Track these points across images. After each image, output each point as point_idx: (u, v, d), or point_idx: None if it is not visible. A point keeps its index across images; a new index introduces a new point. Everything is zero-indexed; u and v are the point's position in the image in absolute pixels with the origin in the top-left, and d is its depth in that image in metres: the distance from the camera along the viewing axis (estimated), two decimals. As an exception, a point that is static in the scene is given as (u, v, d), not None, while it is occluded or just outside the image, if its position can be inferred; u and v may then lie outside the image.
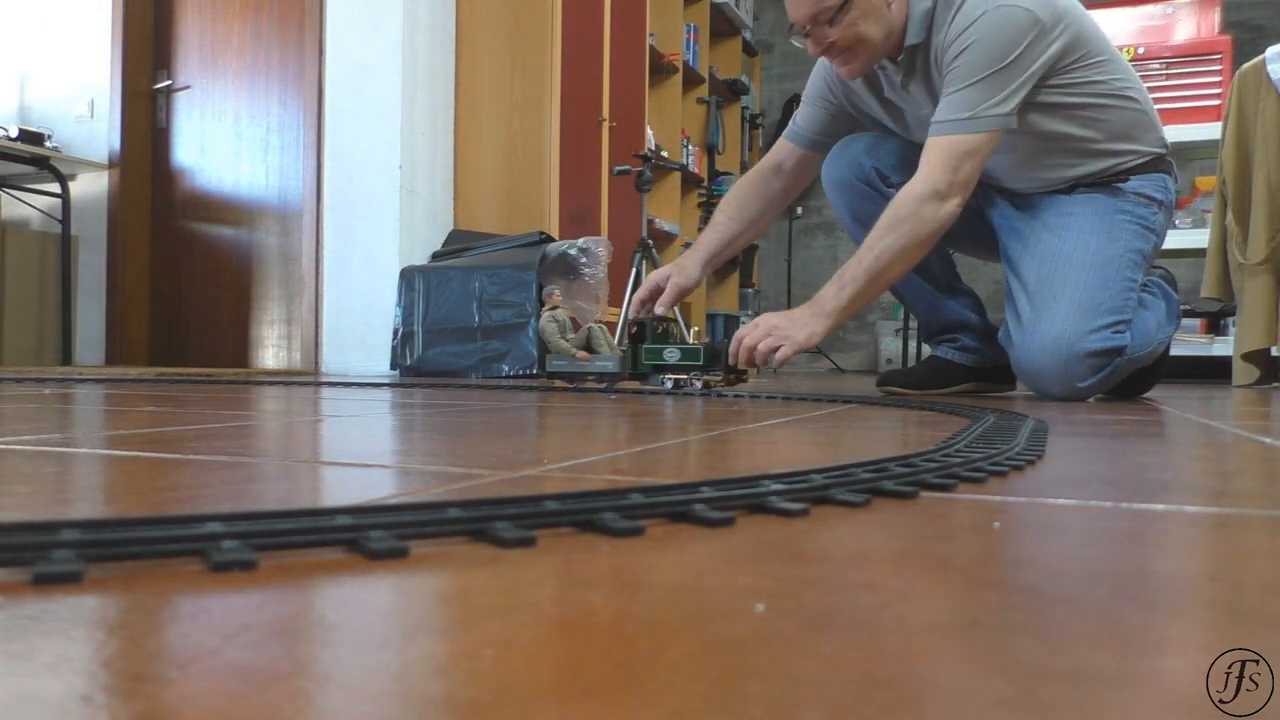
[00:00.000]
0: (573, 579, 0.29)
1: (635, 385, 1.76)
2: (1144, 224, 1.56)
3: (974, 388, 1.76)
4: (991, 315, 1.76)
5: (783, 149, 1.77)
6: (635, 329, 1.69)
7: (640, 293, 1.72)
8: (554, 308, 2.01)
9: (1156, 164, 1.59)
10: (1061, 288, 1.51)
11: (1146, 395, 1.78)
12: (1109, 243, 1.53)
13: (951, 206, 1.44)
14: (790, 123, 1.78)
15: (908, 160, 1.59)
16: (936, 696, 0.19)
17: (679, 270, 1.70)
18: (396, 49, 2.99)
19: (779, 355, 1.47)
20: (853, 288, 1.46)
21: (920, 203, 1.43)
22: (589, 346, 1.90)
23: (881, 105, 1.66)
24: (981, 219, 1.69)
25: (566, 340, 1.94)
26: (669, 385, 1.63)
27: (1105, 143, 1.55)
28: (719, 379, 1.63)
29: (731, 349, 1.53)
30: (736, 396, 1.43)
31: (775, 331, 1.48)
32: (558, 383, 1.93)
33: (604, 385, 1.75)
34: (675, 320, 1.84)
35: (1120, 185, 1.57)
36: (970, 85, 1.42)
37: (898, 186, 1.63)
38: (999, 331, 1.64)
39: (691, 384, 1.61)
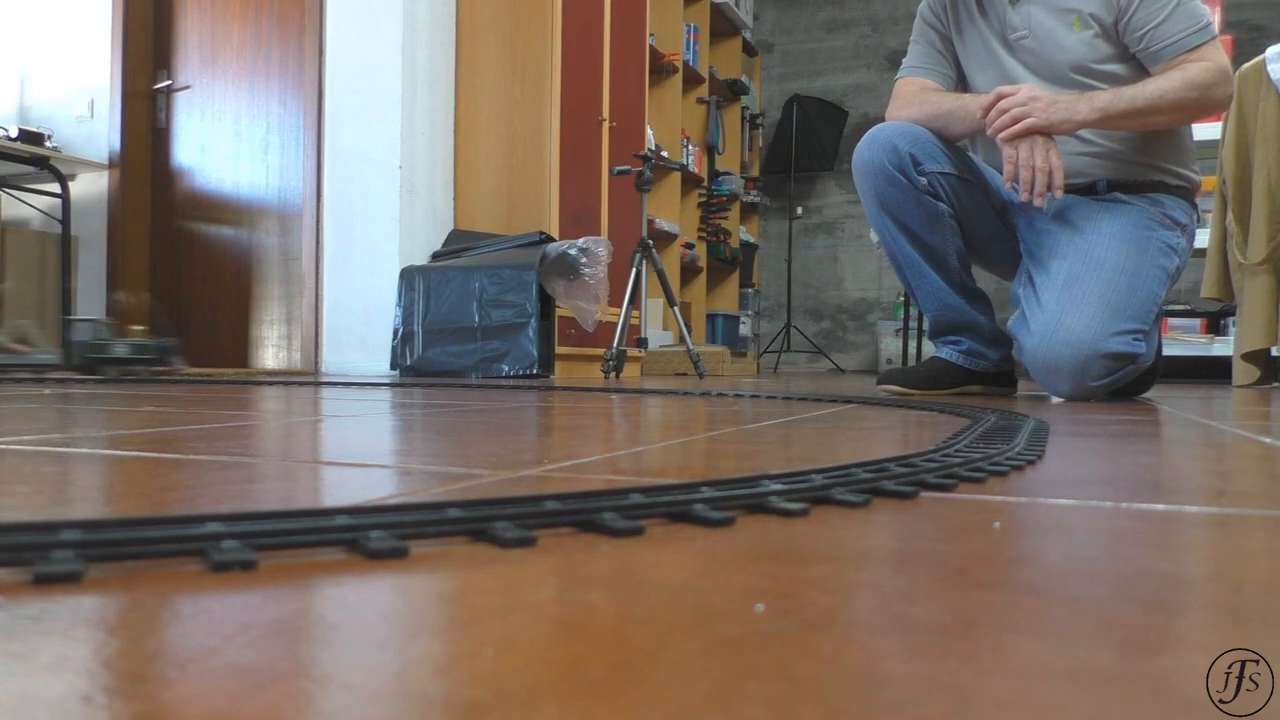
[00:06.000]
0: (573, 579, 0.29)
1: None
2: (1168, 244, 1.60)
3: (975, 390, 1.76)
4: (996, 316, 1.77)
5: (910, 82, 1.77)
6: None
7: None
8: None
9: (1188, 193, 1.66)
10: (1093, 285, 1.52)
11: (1145, 395, 1.78)
12: (1138, 254, 1.56)
13: (1230, 92, 1.53)
14: (901, 67, 1.80)
15: (941, 148, 1.63)
16: (936, 696, 0.19)
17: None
18: (396, 49, 2.99)
19: (1019, 126, 1.49)
20: (1124, 104, 1.50)
21: (1219, 73, 1.50)
22: None
23: (977, 37, 1.68)
24: (1005, 221, 1.72)
25: None
26: None
27: (1177, 152, 1.63)
28: None
29: (986, 103, 1.53)
30: (737, 396, 1.43)
31: (1033, 104, 1.49)
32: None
33: None
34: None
35: (1157, 196, 1.62)
36: (1176, 6, 1.51)
37: (930, 175, 1.64)
38: (1010, 319, 1.65)
39: None
